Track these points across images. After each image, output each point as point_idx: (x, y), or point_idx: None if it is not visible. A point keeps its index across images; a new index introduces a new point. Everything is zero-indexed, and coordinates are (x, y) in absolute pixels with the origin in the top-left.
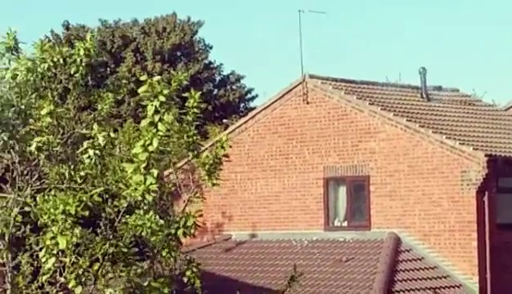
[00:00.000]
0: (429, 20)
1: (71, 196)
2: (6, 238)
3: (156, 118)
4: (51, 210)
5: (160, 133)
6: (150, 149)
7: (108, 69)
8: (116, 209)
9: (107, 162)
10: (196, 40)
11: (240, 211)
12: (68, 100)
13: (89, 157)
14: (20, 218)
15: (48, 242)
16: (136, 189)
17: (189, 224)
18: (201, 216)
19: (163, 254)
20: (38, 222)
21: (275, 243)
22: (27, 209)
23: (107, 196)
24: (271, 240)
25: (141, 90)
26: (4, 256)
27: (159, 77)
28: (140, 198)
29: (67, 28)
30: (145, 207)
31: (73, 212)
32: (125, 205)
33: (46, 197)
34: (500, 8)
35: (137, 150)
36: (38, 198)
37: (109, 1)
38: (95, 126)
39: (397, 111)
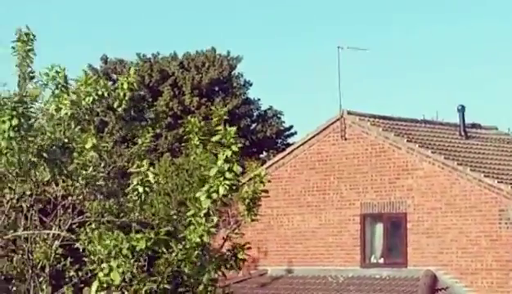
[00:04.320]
0: (468, 58)
1: (138, 234)
2: (47, 270)
3: (226, 166)
4: (112, 246)
5: (227, 182)
6: (214, 196)
7: (146, 103)
8: (171, 250)
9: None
10: (234, 75)
11: (276, 246)
12: (106, 134)
13: (138, 194)
14: (60, 251)
15: (101, 277)
16: (195, 230)
17: (240, 256)
18: (250, 248)
19: (200, 289)
20: (88, 257)
21: (310, 279)
22: (69, 242)
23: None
24: (306, 276)
25: (215, 138)
26: (44, 288)
27: (234, 128)
28: (198, 240)
29: (105, 61)
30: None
31: (141, 248)
32: (180, 247)
33: (97, 233)
34: None
35: (201, 195)
36: (94, 235)
37: (148, 35)
38: (145, 162)
39: (435, 148)
